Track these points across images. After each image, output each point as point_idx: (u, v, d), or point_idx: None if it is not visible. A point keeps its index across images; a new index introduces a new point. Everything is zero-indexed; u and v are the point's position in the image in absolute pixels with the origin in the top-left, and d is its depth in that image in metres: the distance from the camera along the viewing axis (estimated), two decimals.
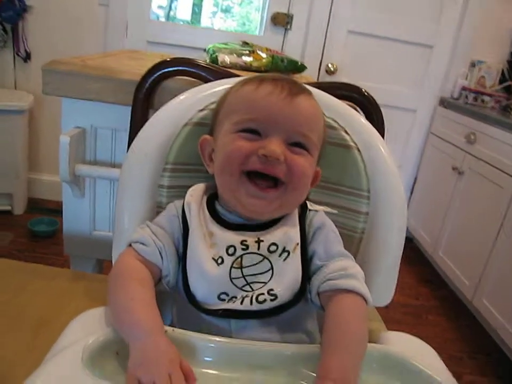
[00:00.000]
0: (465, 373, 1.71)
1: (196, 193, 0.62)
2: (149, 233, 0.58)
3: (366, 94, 0.89)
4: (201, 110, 0.66)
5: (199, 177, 0.67)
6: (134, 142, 0.63)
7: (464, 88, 2.45)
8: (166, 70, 0.86)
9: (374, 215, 0.67)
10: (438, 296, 2.22)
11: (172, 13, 2.56)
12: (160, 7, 2.54)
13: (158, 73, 0.86)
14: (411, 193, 2.69)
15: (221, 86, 0.68)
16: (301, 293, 0.57)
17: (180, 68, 0.88)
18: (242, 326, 0.56)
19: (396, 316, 2.00)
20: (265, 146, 0.55)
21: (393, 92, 2.50)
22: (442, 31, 2.41)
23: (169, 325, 0.60)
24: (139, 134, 0.64)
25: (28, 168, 2.39)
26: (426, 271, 2.43)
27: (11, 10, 2.19)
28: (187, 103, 0.66)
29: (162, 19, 2.57)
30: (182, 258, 0.59)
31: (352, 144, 0.68)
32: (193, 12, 2.52)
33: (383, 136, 0.88)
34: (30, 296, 0.78)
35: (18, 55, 2.29)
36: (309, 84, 0.91)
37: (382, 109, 2.73)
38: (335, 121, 0.68)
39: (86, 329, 0.52)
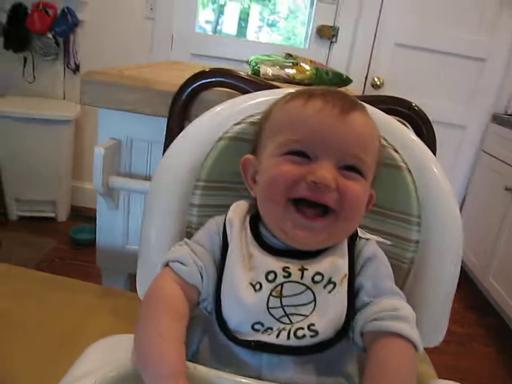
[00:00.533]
0: None
1: (238, 210, 0.57)
2: (188, 252, 0.53)
3: (416, 108, 0.83)
4: (237, 124, 0.61)
5: (233, 196, 0.62)
6: (163, 158, 0.60)
7: None
8: (203, 81, 0.83)
9: (425, 244, 0.59)
10: (485, 324, 2.07)
11: (218, 27, 2.57)
12: (207, 22, 2.57)
13: (195, 85, 0.83)
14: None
15: (259, 98, 0.63)
16: (344, 331, 0.51)
17: (219, 79, 0.84)
18: (275, 363, 0.50)
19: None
20: (315, 172, 0.49)
21: (441, 107, 2.38)
22: (497, 43, 2.29)
23: (194, 351, 0.55)
24: (169, 149, 0.60)
25: (72, 176, 2.45)
26: (474, 296, 2.28)
27: (64, 25, 2.28)
28: (221, 116, 0.61)
29: (209, 33, 2.59)
30: (217, 279, 0.54)
31: (402, 164, 0.62)
32: (240, 27, 2.53)
33: (434, 154, 0.81)
34: (54, 309, 0.76)
35: (68, 67, 2.38)
36: (357, 96, 0.85)
37: None
38: (384, 138, 0.62)
39: (102, 358, 0.48)
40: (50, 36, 2.29)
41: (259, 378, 0.49)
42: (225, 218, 0.56)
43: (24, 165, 2.22)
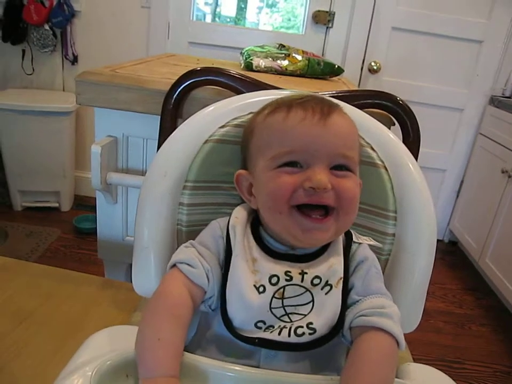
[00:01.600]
0: None
1: (241, 216, 0.60)
2: (196, 254, 0.57)
3: (400, 102, 0.85)
4: (222, 127, 0.65)
5: (220, 194, 0.66)
6: (154, 160, 0.63)
7: None
8: (194, 79, 0.86)
9: (400, 237, 0.63)
10: (483, 305, 2.11)
11: (218, 10, 2.56)
12: (206, 3, 2.55)
13: (186, 83, 0.86)
14: (457, 196, 2.59)
15: (241, 101, 0.66)
16: (338, 327, 0.56)
17: (209, 78, 0.87)
18: (272, 355, 0.55)
19: (436, 324, 1.92)
20: (311, 178, 0.53)
21: (439, 91, 2.39)
22: (494, 25, 2.28)
23: (192, 339, 0.60)
24: (160, 150, 0.64)
25: (75, 166, 2.49)
26: (471, 278, 2.32)
27: (60, 16, 2.28)
28: (207, 119, 0.65)
29: (209, 15, 2.58)
30: (221, 280, 0.57)
31: (379, 162, 0.65)
32: (239, 8, 2.51)
33: (418, 148, 0.84)
34: (58, 302, 0.80)
35: (66, 58, 2.39)
36: (341, 92, 0.88)
37: (427, 108, 2.63)
38: (361, 137, 0.65)
39: (102, 348, 0.52)
40: (47, 27, 2.30)
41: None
42: (227, 223, 0.59)
43: (27, 157, 2.26)
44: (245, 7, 2.52)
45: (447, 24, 2.28)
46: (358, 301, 0.56)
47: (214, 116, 0.65)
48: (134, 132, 1.00)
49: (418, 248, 0.62)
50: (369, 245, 0.61)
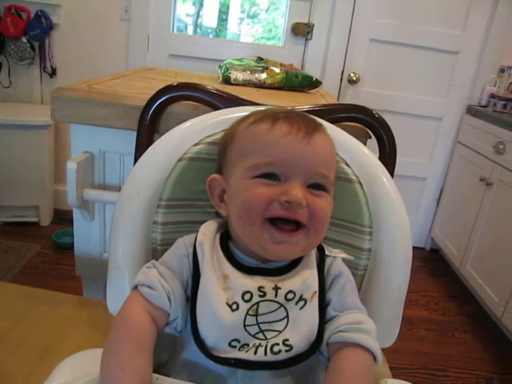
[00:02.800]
0: None
1: (208, 231, 0.59)
2: (157, 276, 0.55)
3: (376, 116, 0.86)
4: (195, 145, 0.64)
5: (195, 212, 0.65)
6: (128, 178, 0.62)
7: (492, 96, 2.36)
8: (170, 95, 0.86)
9: (376, 252, 0.63)
10: (465, 312, 2.13)
11: (199, 21, 2.57)
12: (188, 15, 2.56)
13: (162, 99, 0.86)
14: (437, 204, 2.62)
15: (216, 117, 0.66)
16: (317, 343, 0.54)
17: (185, 93, 0.87)
18: (250, 376, 0.53)
19: (419, 333, 1.93)
20: (287, 192, 0.52)
21: (418, 100, 2.44)
22: (468, 36, 2.34)
23: (161, 364, 0.59)
24: (134, 168, 0.63)
25: (54, 180, 2.45)
26: (453, 285, 2.34)
27: (38, 29, 2.27)
28: (181, 137, 0.64)
29: (191, 27, 2.59)
30: (190, 300, 0.56)
31: (353, 177, 0.66)
32: (220, 19, 2.52)
33: (395, 160, 0.85)
34: (33, 323, 0.78)
35: (44, 71, 2.37)
36: (317, 106, 0.88)
37: (406, 118, 2.68)
38: (336, 152, 0.65)
39: (74, 372, 0.51)
40: (25, 40, 2.28)
41: None
42: (195, 241, 0.58)
43: (5, 171, 2.22)
44: (226, 18, 2.53)
45: (424, 36, 2.33)
46: (335, 317, 0.55)
47: (188, 133, 0.64)
48: (111, 148, 0.99)
49: (394, 264, 0.62)
50: (342, 258, 0.61)
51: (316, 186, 0.55)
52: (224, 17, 2.53)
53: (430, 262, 2.58)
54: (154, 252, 0.64)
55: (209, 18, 2.57)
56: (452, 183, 2.52)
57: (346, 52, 2.36)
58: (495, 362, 1.79)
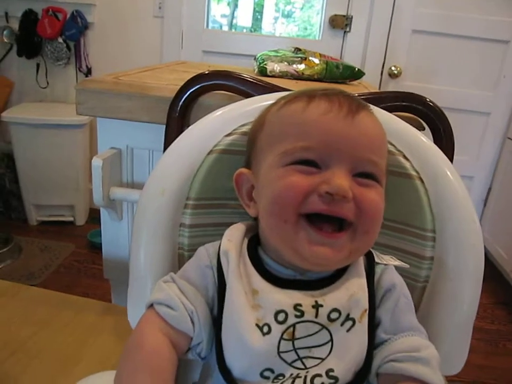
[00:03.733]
0: None
1: (235, 237, 0.50)
2: (177, 293, 0.47)
3: (431, 104, 0.76)
4: (228, 135, 0.56)
5: (228, 213, 0.57)
6: (150, 176, 0.55)
7: None
8: (201, 85, 0.79)
9: (441, 261, 0.53)
10: None
11: (234, 21, 2.54)
12: (223, 15, 2.54)
13: (192, 89, 0.79)
14: (484, 205, 2.46)
15: (250, 105, 0.57)
16: (365, 372, 0.45)
17: (218, 82, 0.79)
18: None
19: None
20: (329, 181, 0.43)
21: (464, 94, 2.29)
22: None
23: None
24: (156, 165, 0.56)
25: (89, 179, 2.46)
26: (503, 291, 2.18)
27: (74, 29, 2.28)
28: (211, 127, 0.56)
29: (226, 27, 2.56)
30: (216, 320, 0.47)
31: (413, 173, 0.55)
32: (255, 19, 2.49)
33: (452, 156, 0.75)
34: (54, 331, 0.74)
35: (80, 70, 2.38)
36: (363, 94, 0.79)
37: (451, 113, 2.53)
38: (391, 143, 0.56)
39: None
40: (61, 40, 2.30)
41: None
42: (219, 249, 0.49)
43: (42, 171, 2.25)
44: (261, 18, 2.50)
45: (470, 25, 2.18)
46: (386, 340, 0.45)
47: (219, 123, 0.56)
48: (139, 143, 0.93)
49: (463, 274, 0.52)
50: (395, 266, 0.51)
51: (364, 176, 0.45)
52: (258, 16, 2.50)
53: None
54: (181, 259, 0.56)
55: (244, 18, 2.54)
56: (500, 182, 2.35)
57: (387, 45, 2.24)
58: None
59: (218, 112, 0.58)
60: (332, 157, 0.44)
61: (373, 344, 0.46)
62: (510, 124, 2.31)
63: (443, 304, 0.53)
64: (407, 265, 0.53)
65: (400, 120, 0.59)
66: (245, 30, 2.54)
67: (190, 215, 0.55)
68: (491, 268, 2.38)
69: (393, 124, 0.57)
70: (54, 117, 2.18)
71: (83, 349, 0.69)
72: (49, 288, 1.81)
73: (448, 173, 0.54)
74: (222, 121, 0.57)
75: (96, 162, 0.84)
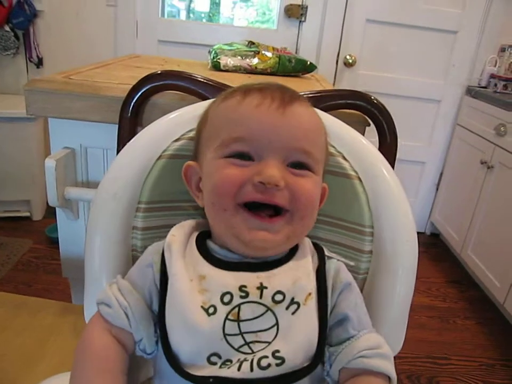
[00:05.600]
0: (497, 383, 1.60)
1: (180, 231, 0.52)
2: (114, 292, 0.49)
3: (375, 102, 0.80)
4: (176, 140, 0.58)
5: (179, 215, 0.59)
6: (102, 179, 0.56)
7: (493, 76, 2.29)
8: (153, 84, 0.79)
9: (379, 254, 0.57)
10: (467, 297, 2.09)
11: (192, 6, 2.49)
12: (181, 0, 2.48)
13: (144, 89, 0.79)
14: (437, 189, 2.57)
15: (197, 110, 0.59)
16: (318, 358, 0.47)
17: (169, 82, 0.80)
18: None
19: (420, 320, 1.90)
20: (261, 172, 0.45)
21: (416, 82, 2.37)
22: (468, 14, 2.25)
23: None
24: (108, 169, 0.57)
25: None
26: (454, 270, 2.31)
27: (21, 16, 2.18)
28: (159, 133, 0.58)
29: (184, 12, 2.52)
30: (158, 312, 0.48)
31: (352, 173, 0.59)
32: (213, 3, 2.46)
33: (396, 150, 0.80)
34: (12, 335, 0.74)
35: (30, 60, 2.29)
36: (310, 92, 0.82)
37: (404, 101, 2.61)
38: (332, 145, 0.59)
39: None
40: (8, 28, 2.20)
41: None
42: (163, 245, 0.51)
43: None
44: (219, 2, 2.47)
45: (422, 15, 2.25)
46: (353, 336, 0.48)
47: (167, 128, 0.58)
48: (93, 143, 0.93)
49: (399, 267, 0.56)
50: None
51: (297, 166, 0.48)
52: (217, 1, 2.46)
53: (430, 246, 2.54)
54: (135, 260, 0.56)
55: (202, 3, 2.50)
56: (451, 167, 2.46)
57: (341, 34, 2.28)
58: (498, 349, 1.76)
59: (171, 115, 0.59)
60: (264, 148, 0.47)
61: (325, 330, 0.48)
62: (459, 111, 2.41)
63: (382, 292, 0.57)
64: (351, 263, 0.57)
65: (340, 122, 0.62)
66: (203, 15, 2.51)
67: (142, 218, 0.57)
68: (443, 249, 2.51)
69: (334, 127, 0.61)
70: (5, 109, 2.09)
71: (43, 350, 0.70)
72: (8, 287, 1.77)
73: (385, 172, 0.58)
74: (172, 125, 0.59)
75: (49, 163, 0.83)
